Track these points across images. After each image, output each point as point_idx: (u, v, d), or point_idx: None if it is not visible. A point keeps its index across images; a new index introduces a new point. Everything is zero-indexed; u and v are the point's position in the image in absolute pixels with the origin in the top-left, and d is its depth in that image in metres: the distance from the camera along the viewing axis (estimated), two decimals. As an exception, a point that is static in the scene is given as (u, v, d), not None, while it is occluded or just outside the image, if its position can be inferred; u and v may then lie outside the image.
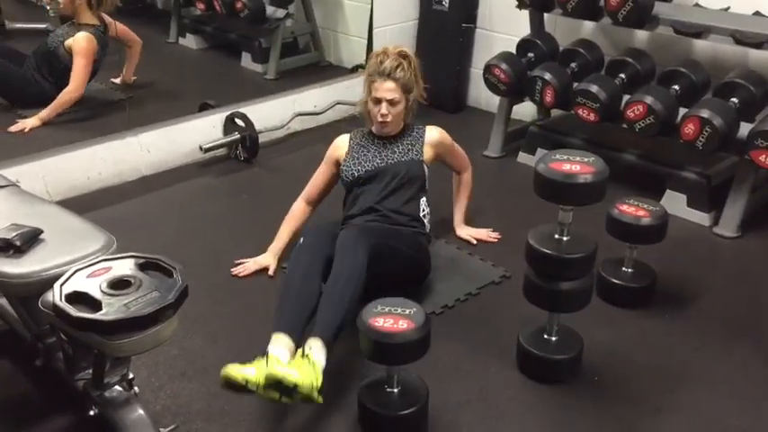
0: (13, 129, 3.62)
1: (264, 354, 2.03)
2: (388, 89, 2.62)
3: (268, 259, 2.77)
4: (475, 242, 2.96)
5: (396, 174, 2.69)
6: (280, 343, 2.08)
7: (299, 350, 2.06)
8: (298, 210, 2.82)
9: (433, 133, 2.80)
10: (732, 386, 2.24)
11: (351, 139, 2.80)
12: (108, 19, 3.89)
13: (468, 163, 2.98)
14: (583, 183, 2.00)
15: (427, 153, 2.76)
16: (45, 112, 3.68)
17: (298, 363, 1.99)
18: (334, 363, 2.30)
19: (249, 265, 2.76)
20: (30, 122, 3.64)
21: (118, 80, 4.13)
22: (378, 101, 2.64)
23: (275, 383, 1.93)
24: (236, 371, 1.96)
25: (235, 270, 2.75)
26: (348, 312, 2.15)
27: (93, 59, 3.79)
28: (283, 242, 2.78)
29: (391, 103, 2.63)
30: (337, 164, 2.79)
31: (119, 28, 3.97)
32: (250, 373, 1.95)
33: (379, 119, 2.66)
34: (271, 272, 2.73)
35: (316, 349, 2.05)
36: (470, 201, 3.04)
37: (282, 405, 2.10)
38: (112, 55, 3.97)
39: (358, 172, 2.70)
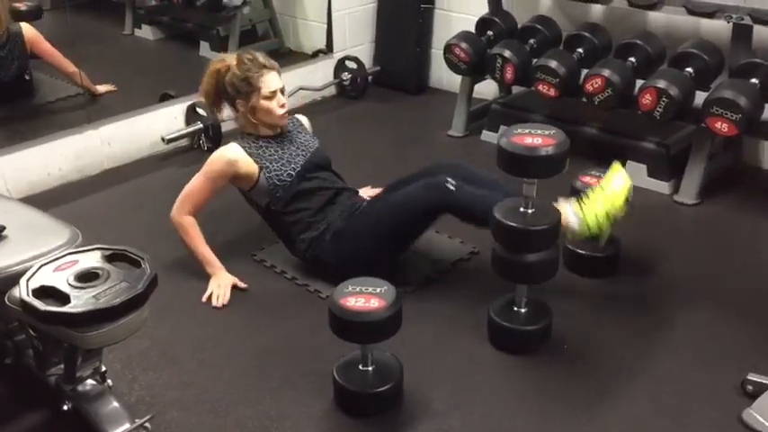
0: None
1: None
2: (276, 78, 2.60)
3: (227, 276, 2.60)
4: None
5: (323, 159, 2.72)
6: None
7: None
8: (194, 225, 2.63)
9: (305, 118, 2.89)
10: (697, 349, 2.30)
11: (246, 150, 2.59)
12: (28, 31, 3.69)
13: None
14: (545, 155, 2.03)
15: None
16: None
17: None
18: (308, 344, 2.33)
19: (222, 291, 2.55)
20: None
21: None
22: (273, 94, 2.57)
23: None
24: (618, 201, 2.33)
25: (215, 303, 2.52)
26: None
27: None
28: (214, 256, 2.63)
29: (282, 91, 2.61)
30: (234, 180, 2.61)
31: (41, 47, 3.74)
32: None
33: (280, 111, 2.59)
34: (242, 284, 2.60)
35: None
36: None
37: (255, 389, 2.15)
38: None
39: (295, 171, 2.59)
